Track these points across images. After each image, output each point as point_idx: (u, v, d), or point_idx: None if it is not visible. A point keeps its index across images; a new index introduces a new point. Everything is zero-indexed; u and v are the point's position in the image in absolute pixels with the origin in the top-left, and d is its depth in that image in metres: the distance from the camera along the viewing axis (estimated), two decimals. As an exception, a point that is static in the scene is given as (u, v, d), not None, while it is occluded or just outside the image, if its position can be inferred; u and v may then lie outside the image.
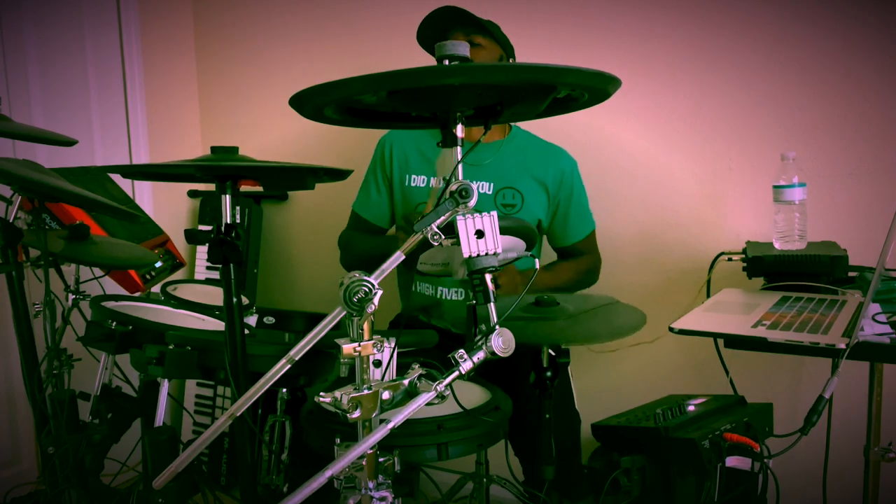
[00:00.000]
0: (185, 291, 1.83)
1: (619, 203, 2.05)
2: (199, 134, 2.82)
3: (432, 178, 1.87)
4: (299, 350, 0.97)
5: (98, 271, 1.77)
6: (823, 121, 1.81)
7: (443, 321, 1.83)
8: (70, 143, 1.57)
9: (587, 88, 0.96)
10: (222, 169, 1.15)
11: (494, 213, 0.90)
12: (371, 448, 0.93)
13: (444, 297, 1.84)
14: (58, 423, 1.49)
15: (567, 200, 1.87)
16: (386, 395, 0.91)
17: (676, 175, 1.99)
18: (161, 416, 1.40)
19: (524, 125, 1.95)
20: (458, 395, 1.01)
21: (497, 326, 0.89)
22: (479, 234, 0.89)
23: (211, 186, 1.17)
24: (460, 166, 0.94)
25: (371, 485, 0.96)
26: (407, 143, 1.92)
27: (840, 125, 1.79)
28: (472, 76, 0.88)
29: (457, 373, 0.88)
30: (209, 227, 1.15)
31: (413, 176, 1.89)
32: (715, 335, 1.37)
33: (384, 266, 0.90)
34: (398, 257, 0.91)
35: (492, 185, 1.83)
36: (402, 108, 1.05)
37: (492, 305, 0.90)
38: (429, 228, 0.89)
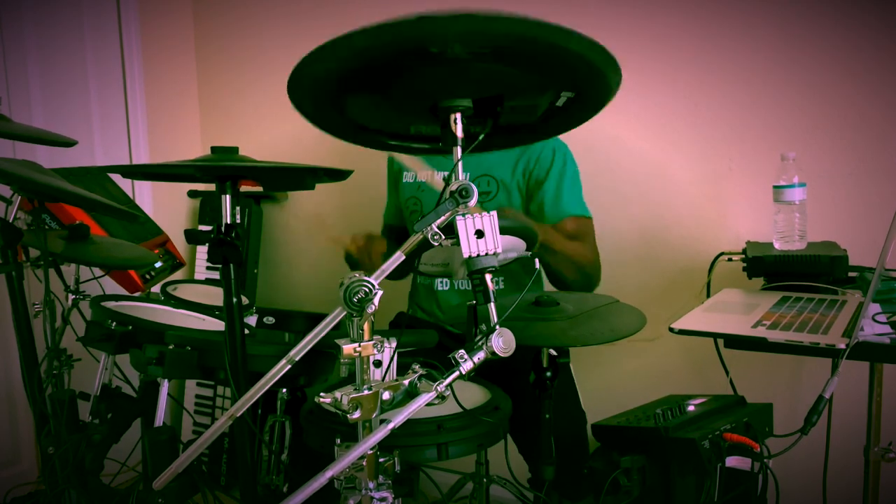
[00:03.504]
0: (185, 291, 1.83)
1: (619, 203, 2.05)
2: (199, 134, 2.82)
3: (420, 173, 1.89)
4: (299, 350, 0.97)
5: (98, 271, 1.77)
6: (823, 121, 1.81)
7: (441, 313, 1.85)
8: (70, 143, 1.57)
9: (586, 65, 0.90)
10: (222, 169, 1.15)
11: (494, 213, 0.90)
12: (371, 448, 0.93)
13: (437, 289, 1.86)
14: (58, 423, 1.49)
15: (543, 175, 1.76)
16: (386, 395, 0.91)
17: (676, 175, 1.99)
18: (161, 416, 1.40)
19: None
20: (459, 395, 1.01)
21: (497, 326, 0.89)
22: (479, 234, 0.89)
23: (211, 186, 1.17)
24: (460, 165, 0.94)
25: (371, 485, 0.96)
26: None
27: (840, 125, 1.79)
28: (473, 23, 0.81)
29: (457, 373, 0.88)
30: (209, 227, 1.15)
31: (405, 173, 1.93)
32: (715, 335, 1.37)
33: (384, 266, 0.90)
34: (398, 257, 0.91)
35: (467, 175, 1.81)
36: (402, 103, 1.03)
37: (492, 305, 0.90)
38: (429, 228, 0.89)
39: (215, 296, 1.80)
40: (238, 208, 1.17)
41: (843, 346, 1.13)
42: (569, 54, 0.88)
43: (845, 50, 1.77)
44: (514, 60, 0.90)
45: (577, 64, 0.90)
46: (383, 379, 0.93)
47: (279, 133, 2.59)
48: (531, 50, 0.87)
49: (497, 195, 1.82)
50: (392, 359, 0.94)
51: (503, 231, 0.92)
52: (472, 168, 1.80)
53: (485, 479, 1.52)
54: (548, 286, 1.80)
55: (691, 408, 1.33)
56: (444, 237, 0.90)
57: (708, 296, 1.67)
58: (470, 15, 0.80)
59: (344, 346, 0.91)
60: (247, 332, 1.21)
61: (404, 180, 1.93)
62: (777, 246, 1.65)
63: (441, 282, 1.86)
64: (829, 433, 1.52)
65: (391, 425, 0.87)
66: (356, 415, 0.90)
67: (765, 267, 1.58)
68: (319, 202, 2.57)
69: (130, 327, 1.48)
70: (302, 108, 1.01)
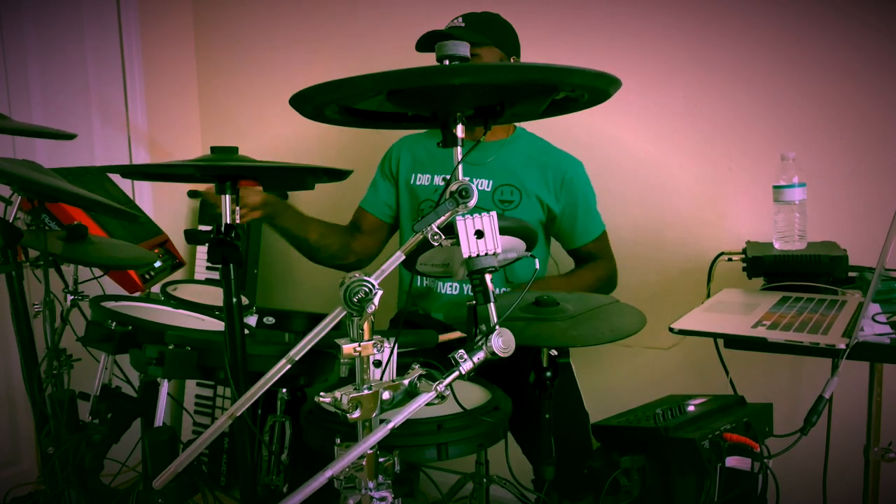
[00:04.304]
0: (185, 291, 1.83)
1: (619, 203, 2.05)
2: (199, 134, 2.81)
3: (436, 177, 1.88)
4: (299, 350, 0.97)
5: (97, 271, 1.77)
6: (823, 121, 1.81)
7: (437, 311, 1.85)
8: (69, 136, 1.57)
9: (588, 89, 0.96)
10: (222, 169, 1.15)
11: (494, 214, 0.90)
12: (371, 448, 0.93)
13: (439, 291, 1.85)
14: (58, 423, 1.49)
15: (572, 204, 1.85)
16: (386, 395, 0.91)
17: (676, 175, 1.99)
18: (161, 416, 1.40)
19: (530, 127, 1.95)
20: (458, 394, 1.01)
21: (497, 326, 0.89)
22: (479, 234, 0.89)
23: (211, 186, 1.17)
24: (461, 166, 0.94)
25: (371, 485, 0.96)
26: (415, 146, 1.96)
27: (840, 125, 1.79)
28: (478, 76, 0.87)
29: (457, 373, 0.88)
30: (209, 228, 1.15)
31: (418, 175, 1.91)
32: (715, 335, 1.36)
33: (384, 266, 0.90)
34: (398, 257, 0.91)
35: (491, 182, 1.84)
36: (401, 108, 1.04)
37: (492, 305, 0.90)
38: (429, 229, 0.89)
39: (215, 296, 1.80)
40: (238, 208, 1.17)
41: (843, 346, 1.13)
42: (571, 84, 0.95)
43: (845, 50, 1.77)
44: (518, 87, 0.95)
45: (579, 87, 0.97)
46: (382, 378, 0.93)
47: (279, 133, 2.59)
48: (534, 85, 0.94)
49: (520, 205, 1.82)
50: (392, 351, 0.94)
51: (503, 231, 0.92)
52: (497, 175, 1.84)
53: (485, 479, 1.52)
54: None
55: (691, 408, 1.33)
56: (443, 237, 0.90)
57: (708, 296, 1.67)
58: (475, 67, 0.89)
59: (344, 346, 0.91)
60: (247, 332, 1.21)
61: (417, 182, 1.91)
62: (777, 246, 1.65)
63: (451, 286, 1.86)
64: (829, 433, 1.52)
65: (391, 425, 0.87)
66: (356, 414, 0.90)
67: (765, 267, 1.58)
68: (319, 202, 2.57)
69: (130, 327, 1.48)
70: (303, 113, 1.02)
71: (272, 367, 0.97)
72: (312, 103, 0.97)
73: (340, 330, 0.95)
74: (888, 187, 1.76)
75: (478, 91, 0.93)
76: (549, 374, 1.29)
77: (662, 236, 2.02)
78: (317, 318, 1.03)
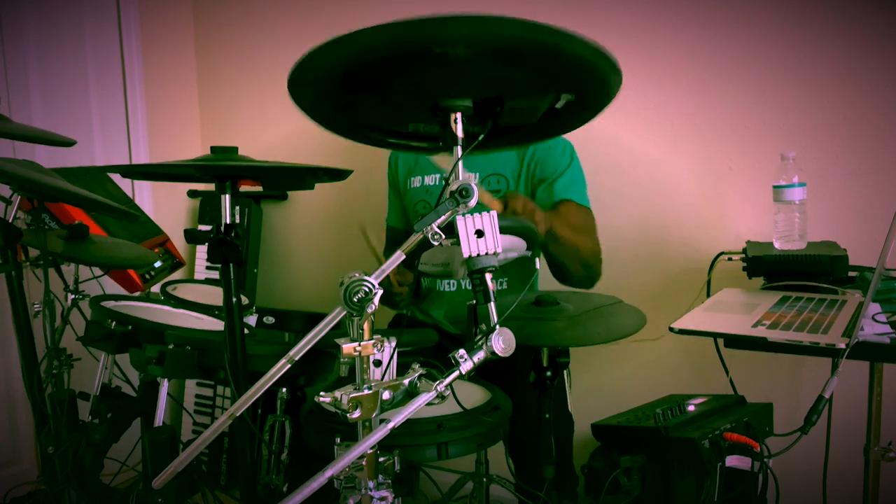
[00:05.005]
0: (185, 291, 1.83)
1: (619, 202, 2.05)
2: (199, 134, 2.82)
3: (426, 177, 1.90)
4: (299, 350, 0.97)
5: (97, 271, 1.77)
6: (823, 121, 1.81)
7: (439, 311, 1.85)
8: (69, 143, 1.57)
9: (587, 70, 0.91)
10: (222, 169, 1.15)
11: (494, 213, 0.90)
12: (371, 448, 0.93)
13: (441, 290, 1.85)
14: (58, 423, 1.49)
15: (554, 177, 1.77)
16: (386, 395, 0.91)
17: (676, 175, 1.99)
18: (161, 415, 1.40)
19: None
20: (458, 394, 1.01)
21: (497, 326, 0.88)
22: (479, 233, 0.89)
23: (211, 186, 1.17)
24: (460, 165, 0.94)
25: (371, 484, 0.96)
26: (410, 153, 1.96)
27: (840, 125, 1.79)
28: (477, 27, 0.83)
29: (457, 373, 0.88)
30: (209, 227, 1.15)
31: (412, 179, 1.94)
32: (715, 335, 1.36)
33: (384, 266, 0.90)
34: (398, 257, 0.91)
35: (477, 174, 1.85)
36: (401, 102, 1.03)
37: (492, 305, 0.90)
38: (429, 228, 0.89)
39: (215, 296, 1.80)
40: (238, 208, 1.17)
41: (843, 345, 1.13)
42: (571, 57, 0.89)
43: (845, 50, 1.77)
44: (516, 62, 0.90)
45: (578, 67, 0.90)
46: (382, 378, 0.93)
47: (279, 133, 2.59)
48: (533, 52, 0.88)
49: (507, 192, 1.83)
50: (392, 357, 0.94)
51: (503, 231, 0.92)
52: (481, 167, 1.84)
53: (485, 479, 1.52)
54: (548, 283, 1.80)
55: (691, 408, 1.33)
56: (444, 237, 0.90)
57: (708, 295, 1.67)
58: (475, 18, 0.81)
59: (344, 346, 0.91)
60: (246, 331, 1.21)
61: (411, 185, 1.93)
62: (777, 246, 1.65)
63: (449, 283, 1.86)
64: (829, 433, 1.52)
65: (391, 425, 0.87)
66: (356, 414, 0.90)
67: (765, 267, 1.58)
68: (319, 202, 2.57)
69: (130, 327, 1.48)
70: (301, 103, 1.01)
71: (272, 367, 0.97)
72: (314, 72, 0.95)
73: (340, 330, 0.95)
74: (888, 187, 1.75)
75: (478, 67, 0.89)
76: (548, 373, 1.29)
77: (662, 236, 2.02)
78: (316, 318, 1.03)
